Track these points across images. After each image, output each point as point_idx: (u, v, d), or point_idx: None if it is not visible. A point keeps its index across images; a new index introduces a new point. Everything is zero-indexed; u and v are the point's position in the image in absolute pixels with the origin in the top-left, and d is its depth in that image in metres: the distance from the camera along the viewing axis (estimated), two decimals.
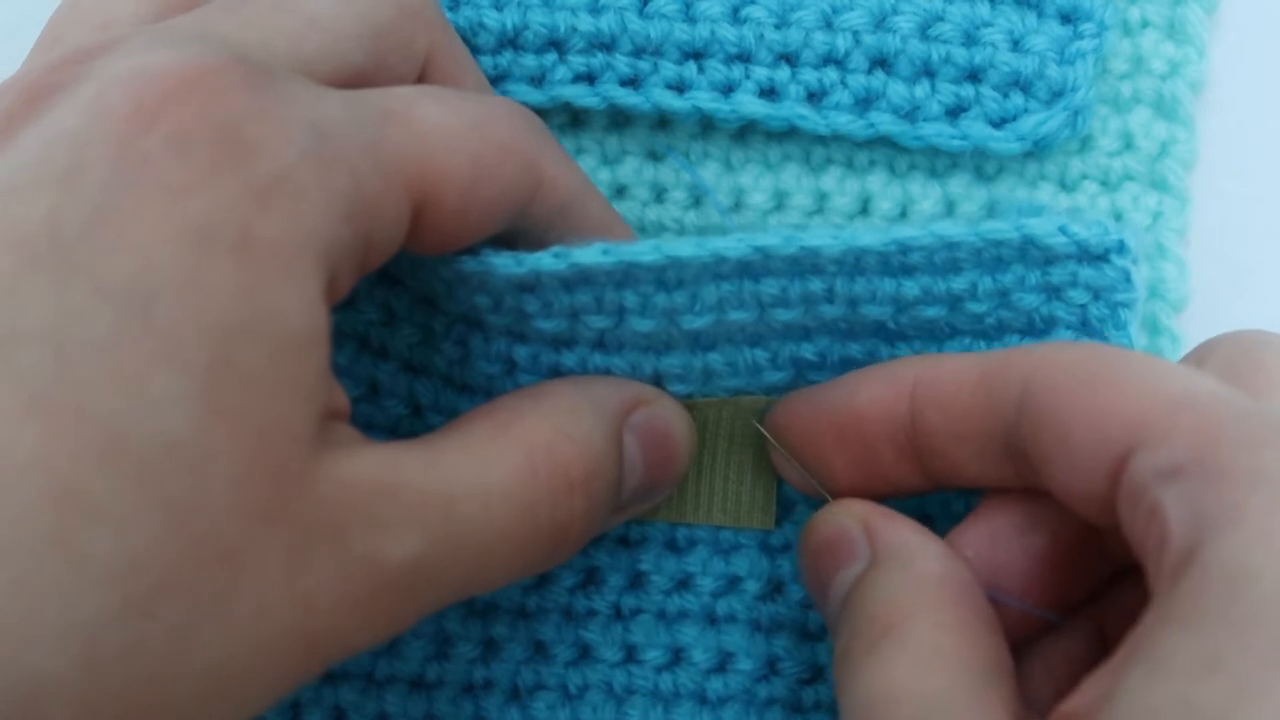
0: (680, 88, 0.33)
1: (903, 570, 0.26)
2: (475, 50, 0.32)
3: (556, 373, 0.30)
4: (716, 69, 0.32)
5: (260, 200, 0.23)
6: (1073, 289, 0.29)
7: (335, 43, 0.27)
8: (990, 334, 0.30)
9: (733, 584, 0.32)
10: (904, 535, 0.27)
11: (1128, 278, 0.29)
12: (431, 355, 0.31)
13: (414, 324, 0.31)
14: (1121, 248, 0.29)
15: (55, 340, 0.21)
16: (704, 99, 0.32)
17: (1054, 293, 0.29)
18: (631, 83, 0.33)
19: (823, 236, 0.28)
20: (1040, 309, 0.29)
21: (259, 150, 0.23)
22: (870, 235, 0.28)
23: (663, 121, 0.34)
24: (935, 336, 0.30)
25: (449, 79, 0.29)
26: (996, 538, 0.27)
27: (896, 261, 0.28)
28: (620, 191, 0.34)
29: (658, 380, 0.30)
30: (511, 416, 0.27)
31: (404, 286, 0.31)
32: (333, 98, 0.25)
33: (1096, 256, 0.29)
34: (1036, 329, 0.29)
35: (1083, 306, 0.29)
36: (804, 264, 0.28)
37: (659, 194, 0.34)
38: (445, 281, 0.29)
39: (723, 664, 0.32)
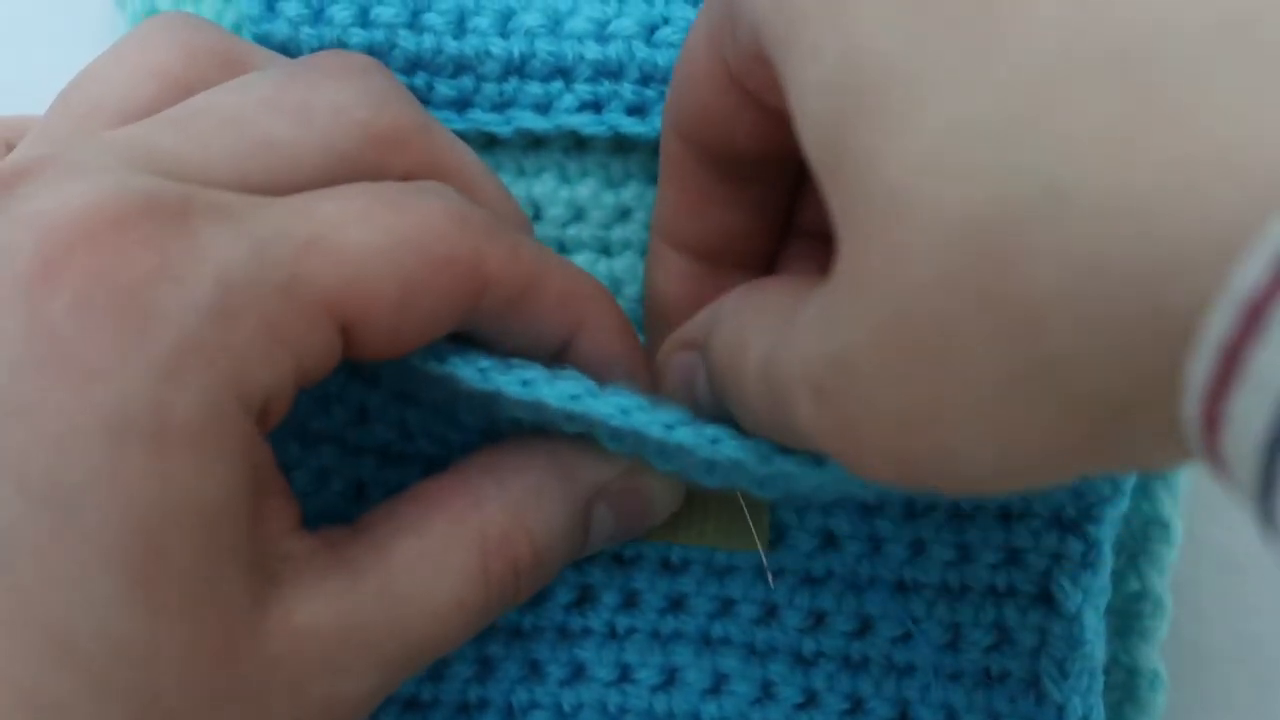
0: None
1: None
2: (480, 78, 0.32)
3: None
4: None
5: (168, 377, 0.22)
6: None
7: (288, 168, 0.26)
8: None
9: (727, 606, 0.32)
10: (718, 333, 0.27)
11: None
12: (420, 388, 0.31)
13: (401, 360, 0.30)
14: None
15: None
16: None
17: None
18: (638, 111, 0.33)
19: (806, 469, 0.27)
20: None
21: (163, 319, 0.23)
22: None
23: None
24: None
25: None
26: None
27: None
28: (624, 215, 0.34)
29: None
30: (470, 504, 0.27)
31: None
32: (245, 235, 0.24)
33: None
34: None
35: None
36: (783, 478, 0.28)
37: None
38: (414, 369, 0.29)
39: (717, 686, 0.32)
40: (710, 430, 0.27)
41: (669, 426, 0.27)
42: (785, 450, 0.26)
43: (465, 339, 0.29)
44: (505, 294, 0.27)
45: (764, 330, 0.25)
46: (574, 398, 0.27)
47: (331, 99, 0.27)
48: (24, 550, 0.22)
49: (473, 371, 0.27)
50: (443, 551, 0.27)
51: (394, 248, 0.25)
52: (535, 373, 0.27)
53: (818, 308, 0.22)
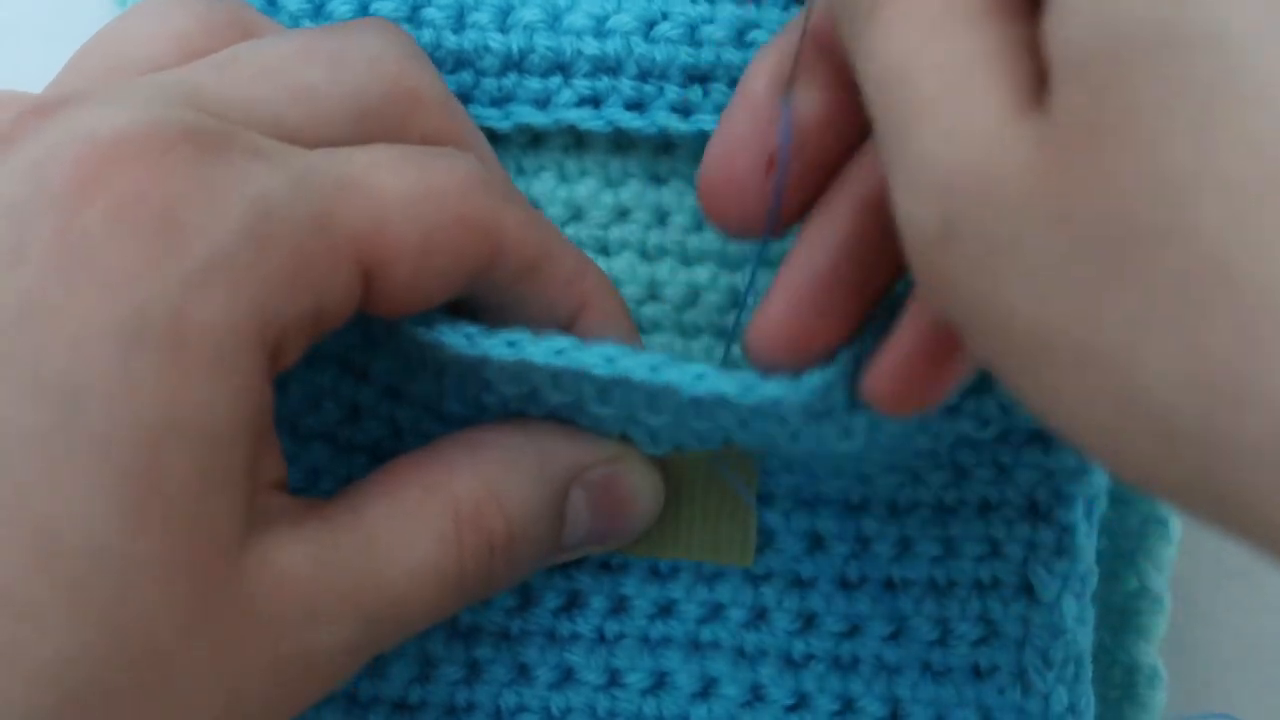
0: (685, 111, 0.32)
1: None
2: (479, 73, 0.32)
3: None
4: (721, 92, 0.32)
5: (195, 287, 0.22)
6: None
7: (320, 116, 0.26)
8: (952, 406, 0.29)
9: (716, 611, 0.32)
10: None
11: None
12: (410, 383, 0.31)
13: (393, 353, 0.31)
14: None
15: None
16: (709, 121, 0.32)
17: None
18: (636, 106, 0.32)
19: (784, 385, 0.27)
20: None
21: (197, 232, 0.23)
22: (826, 371, 0.27)
23: (666, 145, 0.34)
24: (906, 434, 0.29)
25: None
26: None
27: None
28: (623, 215, 0.34)
29: (627, 439, 0.30)
30: (443, 473, 0.27)
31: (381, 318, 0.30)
32: (282, 168, 0.24)
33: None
34: (988, 378, 0.29)
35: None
36: (766, 411, 0.27)
37: (661, 217, 0.34)
38: (405, 339, 0.29)
39: (706, 690, 0.32)
40: (695, 367, 0.27)
41: (654, 369, 0.27)
42: (767, 379, 0.27)
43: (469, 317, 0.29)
44: (518, 263, 0.28)
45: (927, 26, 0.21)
46: (559, 352, 0.27)
47: (364, 49, 0.27)
48: (24, 446, 0.21)
49: (459, 338, 0.27)
50: (416, 514, 0.26)
51: (419, 199, 0.26)
52: (520, 334, 0.27)
53: (1009, 114, 0.20)
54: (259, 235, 0.23)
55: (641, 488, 0.30)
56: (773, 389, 0.26)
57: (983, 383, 0.29)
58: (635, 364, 0.27)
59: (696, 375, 0.27)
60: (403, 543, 0.26)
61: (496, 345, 0.27)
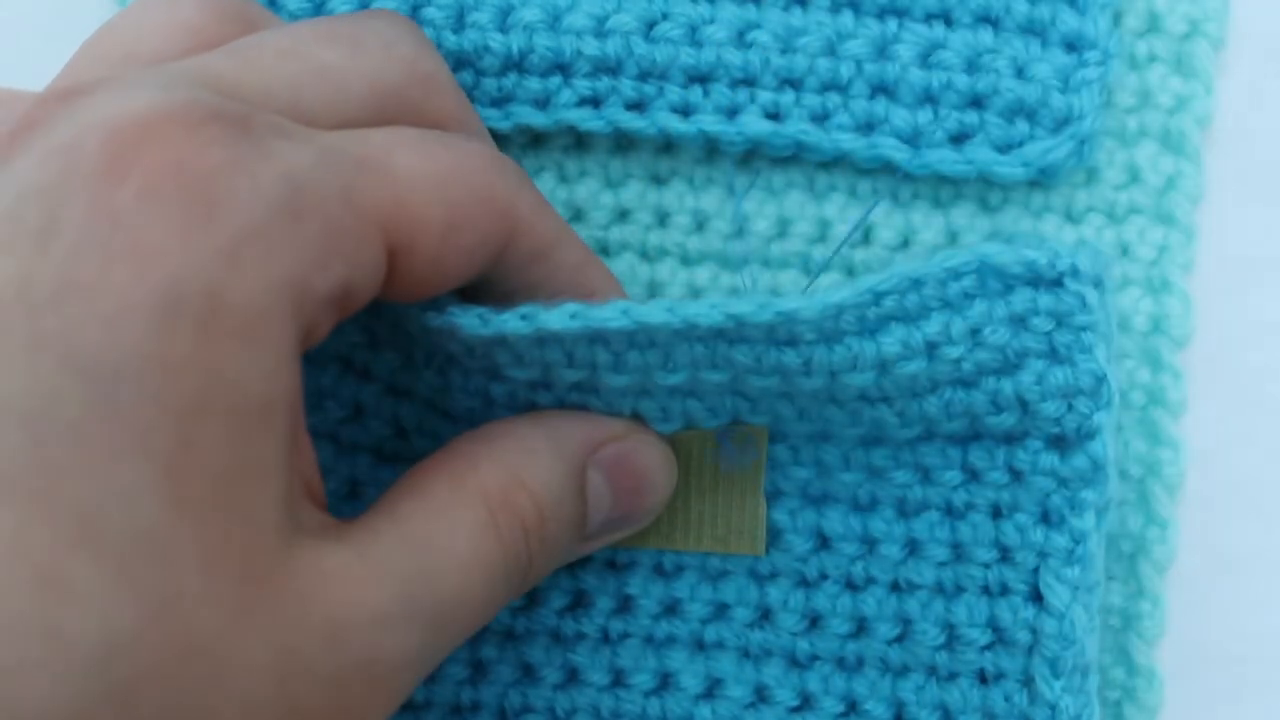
0: (685, 111, 0.32)
1: None
2: (479, 73, 0.32)
3: (533, 409, 0.30)
4: (722, 93, 0.32)
5: (229, 261, 0.22)
6: (1035, 317, 0.29)
7: (338, 96, 0.26)
8: (969, 380, 0.29)
9: (721, 610, 0.32)
10: None
11: (1083, 302, 0.28)
12: (414, 381, 0.31)
13: (396, 350, 0.31)
14: (1075, 272, 0.28)
15: (29, 420, 0.21)
16: (709, 122, 0.32)
17: (1020, 323, 0.29)
18: (636, 106, 0.32)
19: (797, 300, 0.27)
20: (1011, 343, 0.29)
21: (230, 206, 0.22)
22: (841, 292, 0.28)
23: (667, 146, 0.34)
24: (916, 393, 0.29)
25: None
26: None
27: (872, 315, 0.28)
28: (623, 215, 0.34)
29: (638, 418, 0.30)
30: (466, 466, 0.27)
31: (384, 314, 0.30)
32: (307, 145, 0.24)
33: (1052, 281, 0.28)
34: (1011, 365, 0.29)
35: (1048, 334, 0.29)
36: (779, 333, 0.28)
37: (662, 218, 0.34)
38: (415, 329, 0.29)
39: (711, 690, 0.32)
40: (708, 300, 0.27)
41: (670, 309, 0.27)
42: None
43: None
44: (531, 246, 0.28)
45: None
46: (573, 315, 0.27)
47: (380, 34, 0.28)
48: (60, 425, 0.21)
49: (472, 319, 0.28)
50: (449, 509, 0.26)
51: (443, 176, 0.26)
52: (533, 308, 0.28)
53: None
54: (291, 209, 0.23)
55: (655, 461, 0.30)
56: (788, 303, 0.27)
57: (1005, 367, 0.29)
58: (650, 310, 0.27)
59: (710, 305, 0.27)
60: (445, 538, 0.26)
61: (510, 320, 0.27)
